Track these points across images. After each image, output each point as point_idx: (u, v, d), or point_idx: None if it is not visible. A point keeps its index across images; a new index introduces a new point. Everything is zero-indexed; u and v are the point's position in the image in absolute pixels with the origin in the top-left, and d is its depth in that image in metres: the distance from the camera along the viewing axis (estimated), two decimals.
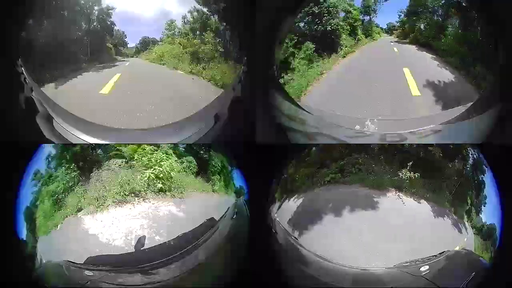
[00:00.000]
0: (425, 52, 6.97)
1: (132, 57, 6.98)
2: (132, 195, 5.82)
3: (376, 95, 6.29)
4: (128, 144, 5.95)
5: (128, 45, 6.92)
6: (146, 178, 5.90)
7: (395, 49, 7.19)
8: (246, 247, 5.12)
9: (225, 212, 5.65)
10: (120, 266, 5.13)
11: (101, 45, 6.77)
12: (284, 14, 5.20)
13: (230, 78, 6.11)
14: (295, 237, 5.36)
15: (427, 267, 4.88)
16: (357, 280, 4.94)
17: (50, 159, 5.59)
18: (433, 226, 5.49)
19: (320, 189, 5.98)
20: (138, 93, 6.53)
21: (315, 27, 6.79)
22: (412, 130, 5.59)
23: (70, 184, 5.67)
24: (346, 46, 7.02)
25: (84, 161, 5.87)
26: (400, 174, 5.94)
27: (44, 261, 5.08)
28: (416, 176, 5.89)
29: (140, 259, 5.15)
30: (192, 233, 5.43)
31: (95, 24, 6.58)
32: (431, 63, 6.75)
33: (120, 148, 6.01)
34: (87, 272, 5.00)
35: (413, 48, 7.12)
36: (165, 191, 5.96)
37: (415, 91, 6.29)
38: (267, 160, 5.08)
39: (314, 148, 5.96)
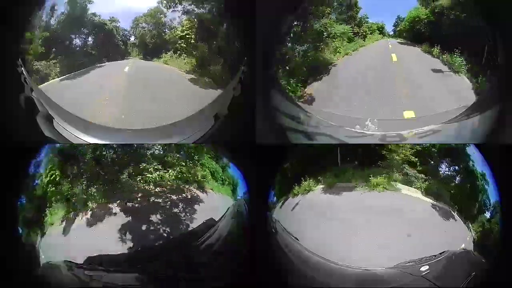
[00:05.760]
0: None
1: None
2: None
3: None
4: (128, 144, 5.95)
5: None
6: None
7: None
8: (246, 247, 5.12)
9: (225, 212, 5.65)
10: (120, 266, 5.13)
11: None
12: (284, 14, 5.21)
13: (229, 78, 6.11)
14: (295, 237, 5.35)
15: (427, 267, 4.87)
16: (358, 280, 4.94)
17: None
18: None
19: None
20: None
21: None
22: (412, 130, 5.60)
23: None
24: None
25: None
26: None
27: (44, 261, 5.09)
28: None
29: (139, 259, 5.15)
30: (192, 233, 5.44)
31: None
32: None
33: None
34: (87, 272, 5.01)
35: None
36: None
37: None
38: (267, 160, 5.09)
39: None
